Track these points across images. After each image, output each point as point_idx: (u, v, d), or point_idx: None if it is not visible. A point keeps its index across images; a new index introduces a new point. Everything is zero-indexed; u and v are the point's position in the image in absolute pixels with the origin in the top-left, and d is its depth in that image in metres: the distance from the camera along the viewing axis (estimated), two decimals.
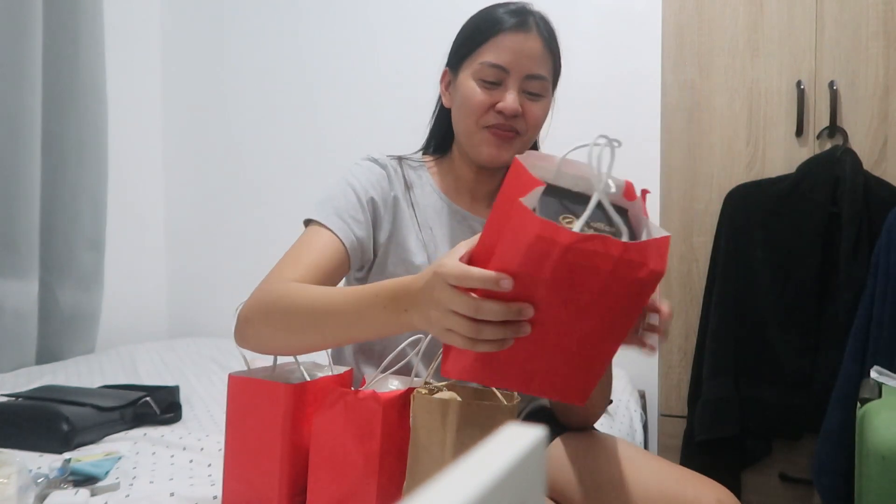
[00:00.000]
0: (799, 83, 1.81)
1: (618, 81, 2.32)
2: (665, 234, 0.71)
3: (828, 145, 1.81)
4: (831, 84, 1.79)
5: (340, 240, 1.01)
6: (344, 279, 1.09)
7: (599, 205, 0.70)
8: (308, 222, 1.04)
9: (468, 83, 1.05)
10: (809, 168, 1.79)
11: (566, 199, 0.73)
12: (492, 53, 1.04)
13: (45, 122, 2.20)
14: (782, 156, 1.85)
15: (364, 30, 2.63)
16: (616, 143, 0.69)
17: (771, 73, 1.84)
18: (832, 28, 1.79)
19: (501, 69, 1.03)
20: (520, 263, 0.66)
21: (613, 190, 0.73)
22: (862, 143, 1.77)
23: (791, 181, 1.80)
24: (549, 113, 1.12)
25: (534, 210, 0.68)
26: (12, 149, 2.07)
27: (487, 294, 0.66)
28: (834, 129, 1.79)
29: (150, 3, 2.85)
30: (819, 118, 1.81)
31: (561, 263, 0.65)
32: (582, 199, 0.73)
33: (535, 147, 1.17)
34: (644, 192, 0.76)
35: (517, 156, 0.72)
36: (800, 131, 1.82)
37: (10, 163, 2.07)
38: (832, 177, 1.75)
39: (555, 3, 1.20)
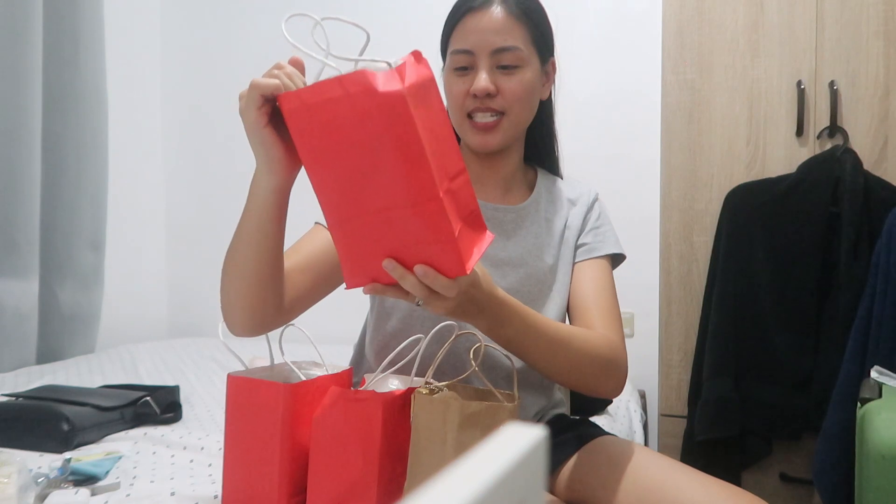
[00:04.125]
0: (799, 83, 1.81)
1: (618, 81, 2.32)
2: (385, 65, 0.72)
3: (828, 145, 1.81)
4: (831, 84, 1.79)
5: None
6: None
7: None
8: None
9: (447, 76, 1.08)
10: (809, 168, 1.79)
11: None
12: (457, 40, 1.05)
13: (45, 122, 2.20)
14: (782, 156, 1.85)
15: (367, 29, 2.63)
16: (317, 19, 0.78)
17: (771, 73, 1.84)
18: (832, 28, 1.79)
19: (467, 53, 1.04)
20: (297, 144, 0.75)
21: (384, 66, 0.74)
22: (862, 143, 1.77)
23: (791, 181, 1.80)
24: (556, 77, 1.13)
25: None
26: (12, 149, 2.07)
27: None
28: (834, 129, 1.79)
29: (150, 3, 2.85)
30: (819, 118, 1.81)
31: (312, 122, 0.72)
32: None
33: (546, 123, 1.18)
34: (413, 54, 0.75)
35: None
36: (800, 131, 1.82)
37: (10, 163, 2.07)
38: (832, 177, 1.75)
39: (556, 3, 1.20)
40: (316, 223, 1.06)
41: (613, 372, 1.00)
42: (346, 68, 0.73)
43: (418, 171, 0.70)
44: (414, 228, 0.73)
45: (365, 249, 0.76)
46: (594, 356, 0.97)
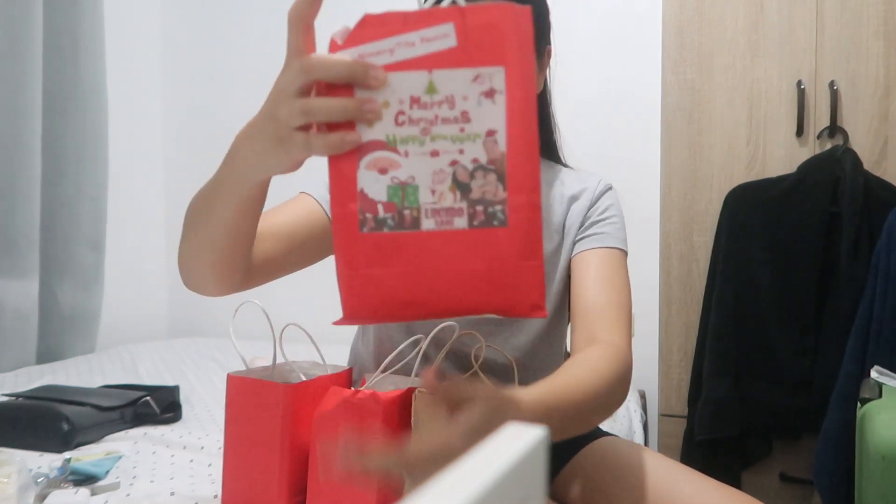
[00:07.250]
0: (799, 83, 1.81)
1: (618, 81, 2.32)
2: None
3: (828, 145, 1.81)
4: (831, 84, 1.79)
5: (322, 207, 0.97)
6: None
7: None
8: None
9: None
10: (810, 168, 1.79)
11: None
12: None
13: (45, 122, 2.20)
14: (782, 156, 1.85)
15: None
16: None
17: (771, 73, 1.84)
18: (832, 28, 1.79)
19: None
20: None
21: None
22: (862, 143, 1.77)
23: (791, 181, 1.80)
24: (553, 61, 1.06)
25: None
26: (12, 149, 2.07)
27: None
28: (834, 129, 1.79)
29: (150, 3, 2.85)
30: (819, 118, 1.81)
31: None
32: None
33: (542, 111, 1.10)
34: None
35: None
36: (800, 131, 1.82)
37: (10, 163, 2.07)
38: (832, 177, 1.75)
39: (556, 3, 1.20)
40: (301, 192, 0.99)
41: (627, 383, 0.90)
42: None
43: None
44: None
45: None
46: (614, 385, 0.85)
